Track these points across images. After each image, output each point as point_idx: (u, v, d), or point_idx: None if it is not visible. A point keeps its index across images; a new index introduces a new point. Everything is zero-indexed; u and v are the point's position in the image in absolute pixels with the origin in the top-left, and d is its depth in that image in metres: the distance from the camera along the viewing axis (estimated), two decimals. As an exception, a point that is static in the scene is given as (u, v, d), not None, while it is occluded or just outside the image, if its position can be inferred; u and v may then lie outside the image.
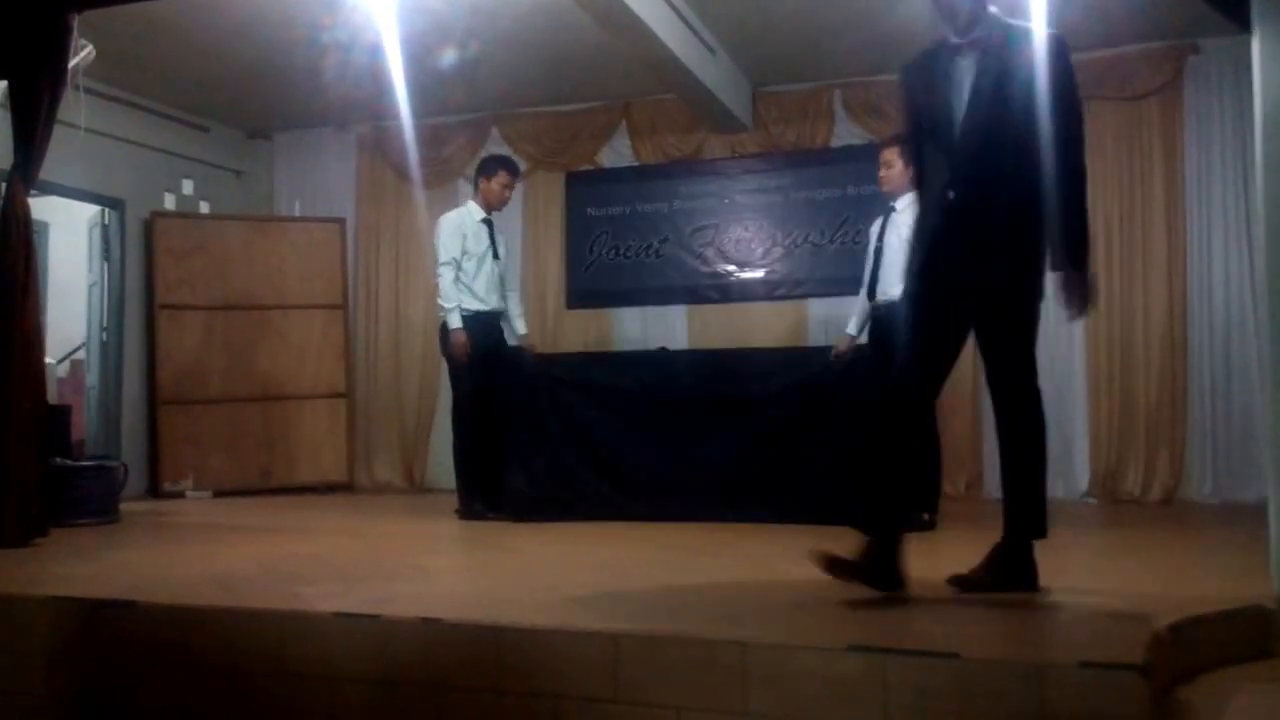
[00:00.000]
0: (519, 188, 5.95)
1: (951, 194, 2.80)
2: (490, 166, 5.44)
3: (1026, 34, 2.84)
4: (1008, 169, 2.79)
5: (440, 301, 5.21)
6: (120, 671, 2.79)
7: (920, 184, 3.05)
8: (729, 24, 5.58)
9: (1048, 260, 2.83)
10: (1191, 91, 5.86)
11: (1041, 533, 2.86)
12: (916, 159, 3.10)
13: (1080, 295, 2.78)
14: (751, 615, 2.68)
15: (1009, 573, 2.83)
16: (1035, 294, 2.84)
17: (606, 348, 6.62)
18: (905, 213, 4.64)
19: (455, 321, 5.15)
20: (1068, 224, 2.77)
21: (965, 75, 2.85)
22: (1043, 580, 2.80)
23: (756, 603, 2.87)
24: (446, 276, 5.18)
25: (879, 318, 4.77)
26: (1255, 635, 2.61)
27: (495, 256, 5.31)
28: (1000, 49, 2.83)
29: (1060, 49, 2.82)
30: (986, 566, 2.85)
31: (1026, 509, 2.86)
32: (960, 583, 2.83)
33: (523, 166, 6.70)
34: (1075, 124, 2.82)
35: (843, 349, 4.95)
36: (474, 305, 5.20)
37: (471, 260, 5.21)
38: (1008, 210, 2.80)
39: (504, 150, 6.47)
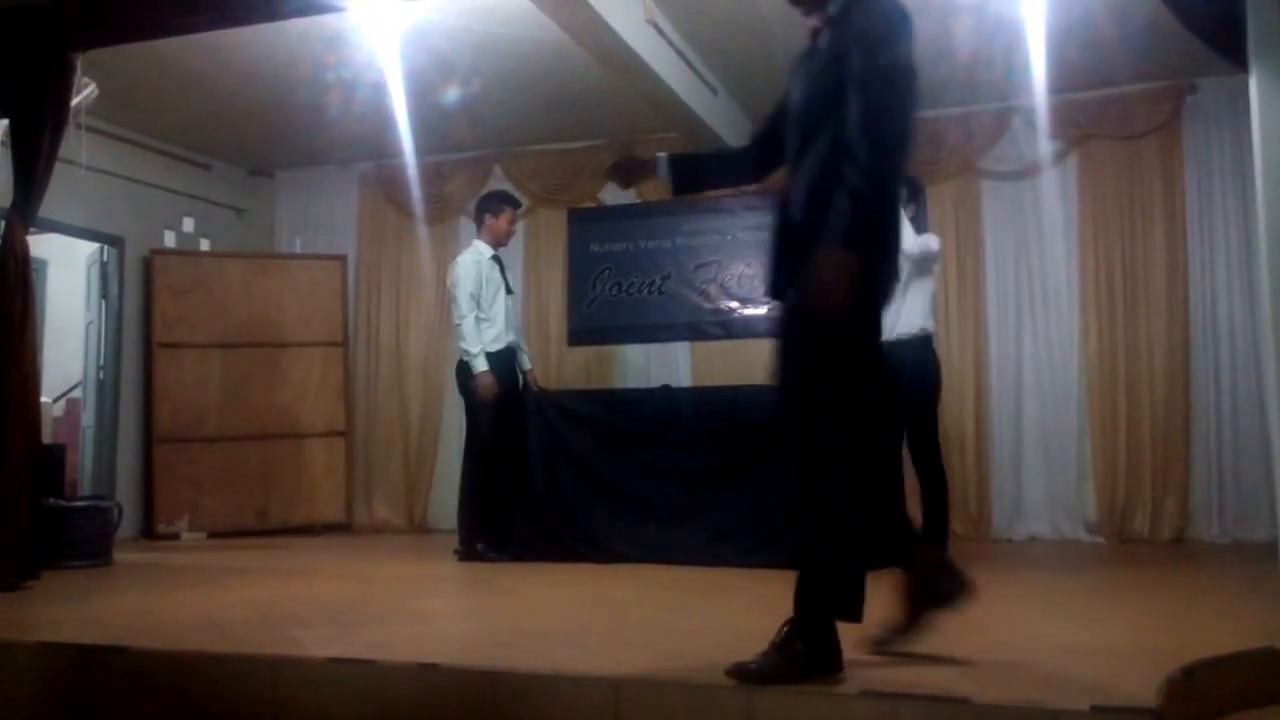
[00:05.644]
0: (520, 225, 5.97)
1: None
2: (495, 204, 5.45)
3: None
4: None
5: (465, 347, 5.17)
6: (111, 718, 2.72)
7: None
8: (730, 63, 5.61)
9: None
10: (1190, 129, 5.88)
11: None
12: None
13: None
14: (756, 659, 2.60)
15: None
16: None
17: (609, 384, 6.59)
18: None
19: (482, 365, 5.13)
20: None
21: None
22: (1055, 623, 2.74)
23: (762, 645, 2.80)
24: (469, 320, 5.16)
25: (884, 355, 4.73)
26: (1268, 678, 2.55)
27: (509, 291, 5.35)
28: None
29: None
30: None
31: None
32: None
33: (525, 204, 6.72)
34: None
35: None
36: (494, 345, 5.19)
37: (488, 298, 5.23)
38: None
39: (506, 188, 6.48)
